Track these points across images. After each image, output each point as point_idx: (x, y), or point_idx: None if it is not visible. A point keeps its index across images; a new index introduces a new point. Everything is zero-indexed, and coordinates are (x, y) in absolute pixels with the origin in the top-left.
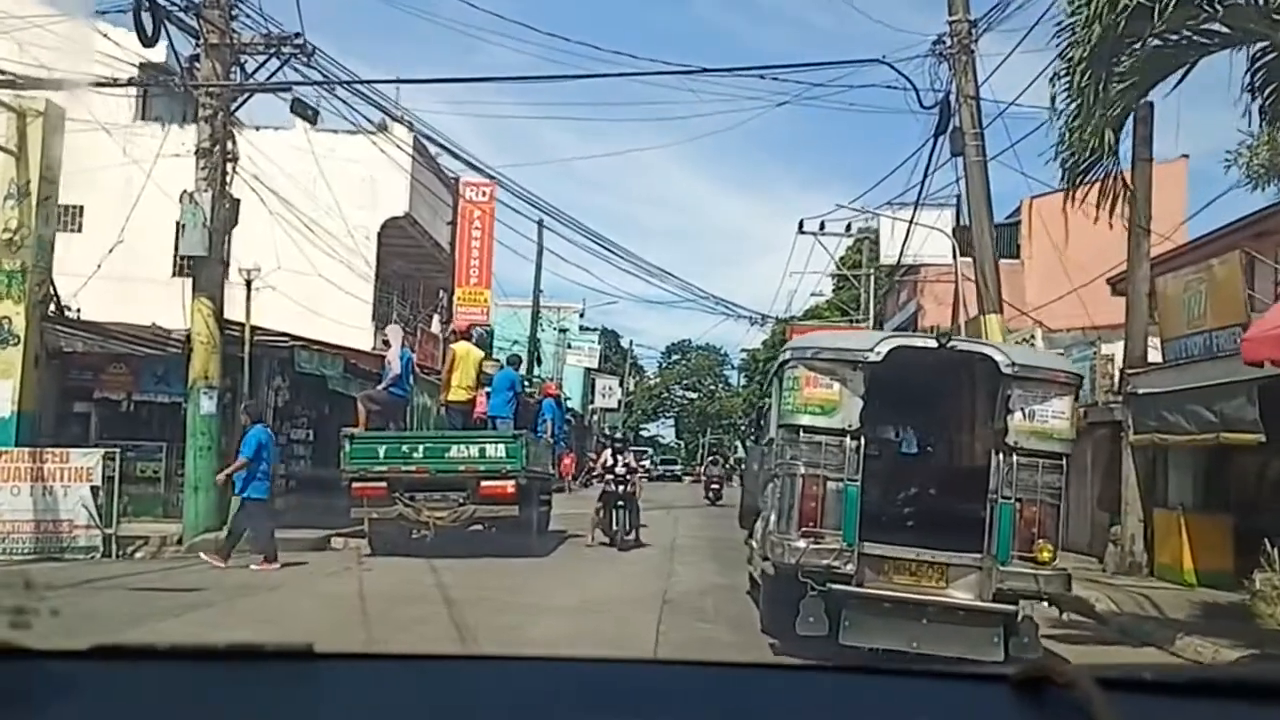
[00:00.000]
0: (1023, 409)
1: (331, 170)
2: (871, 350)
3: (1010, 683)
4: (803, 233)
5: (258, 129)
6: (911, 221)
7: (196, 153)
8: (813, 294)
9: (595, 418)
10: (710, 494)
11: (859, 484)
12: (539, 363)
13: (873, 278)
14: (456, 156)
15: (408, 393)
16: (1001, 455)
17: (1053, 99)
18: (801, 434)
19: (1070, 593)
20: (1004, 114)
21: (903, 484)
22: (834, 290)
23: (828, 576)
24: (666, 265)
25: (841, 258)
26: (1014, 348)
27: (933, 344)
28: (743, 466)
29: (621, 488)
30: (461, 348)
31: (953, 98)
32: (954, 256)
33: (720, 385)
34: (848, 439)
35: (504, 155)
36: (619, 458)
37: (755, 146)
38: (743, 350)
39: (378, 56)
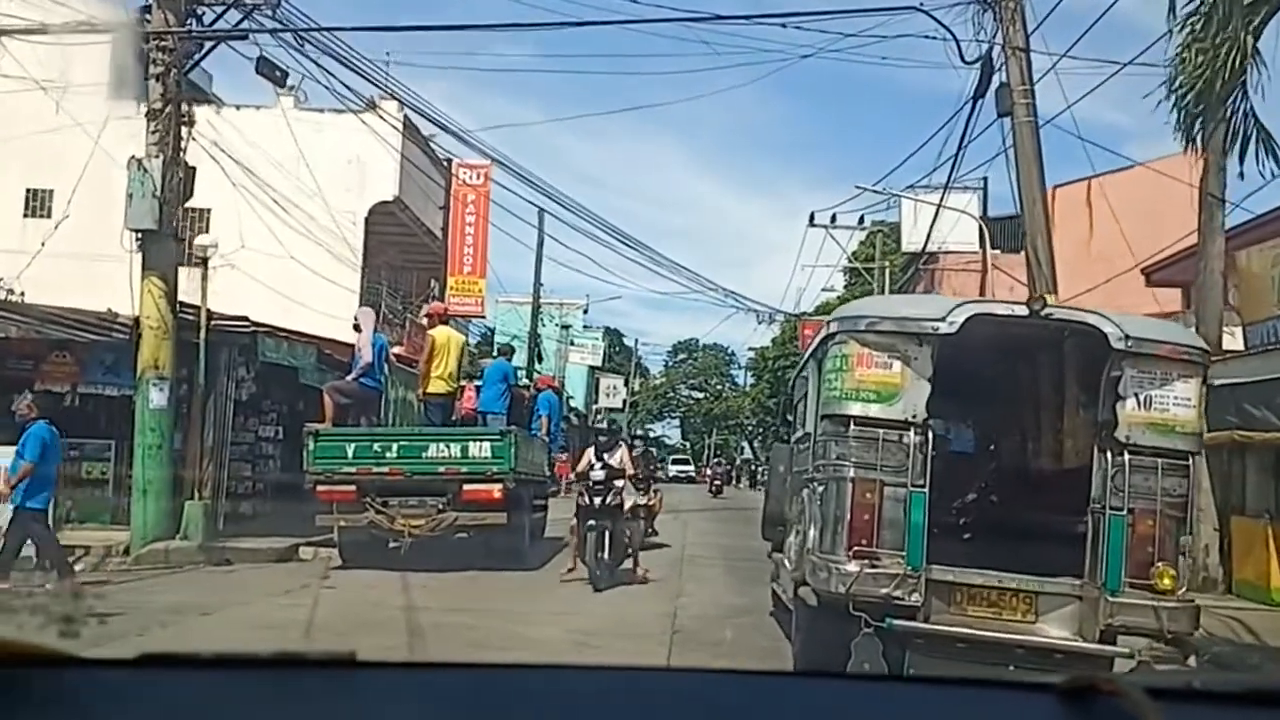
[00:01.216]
0: (1137, 394)
1: (316, 150)
2: (943, 320)
3: (1056, 692)
4: (813, 225)
5: (238, 107)
6: (940, 203)
7: (147, 115)
8: (824, 289)
9: (599, 417)
10: (714, 489)
11: (926, 490)
12: (540, 360)
13: (888, 271)
14: (446, 130)
15: (381, 384)
16: (1108, 453)
17: (1172, 5)
18: (852, 427)
19: (1198, 630)
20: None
21: (975, 490)
22: (845, 286)
23: (887, 609)
24: (671, 271)
25: (854, 252)
26: (1125, 316)
27: (1022, 311)
28: (751, 467)
29: (602, 500)
30: (441, 334)
31: (999, 51)
32: (981, 244)
33: (727, 385)
34: (911, 433)
35: (503, 152)
36: (603, 458)
37: (762, 145)
38: (750, 349)
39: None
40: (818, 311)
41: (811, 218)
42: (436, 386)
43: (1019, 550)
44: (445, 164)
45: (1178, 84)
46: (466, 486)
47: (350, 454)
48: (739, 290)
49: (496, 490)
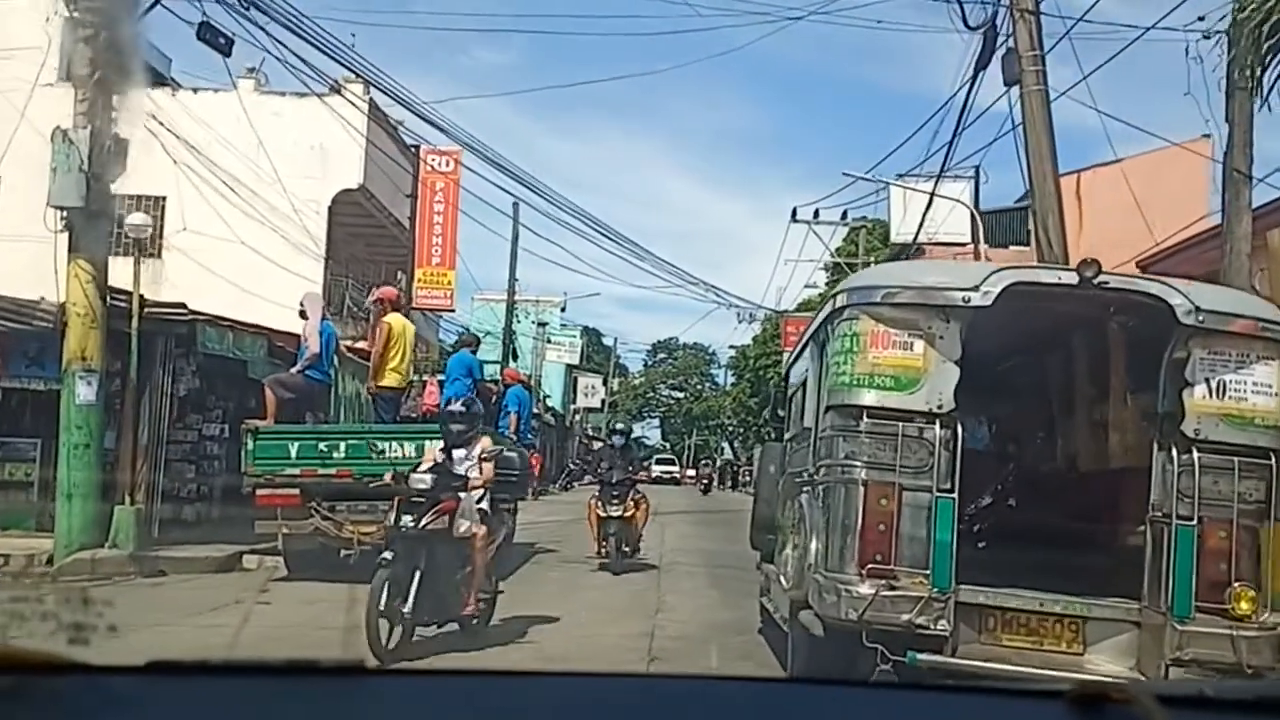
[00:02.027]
0: (1209, 380)
1: (278, 135)
2: (976, 289)
3: (1067, 699)
4: (796, 221)
5: (195, 90)
6: (934, 191)
7: (72, 81)
8: (806, 285)
9: (578, 417)
10: (703, 487)
11: (954, 496)
12: (515, 357)
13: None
14: (420, 116)
15: (329, 376)
16: (1171, 451)
17: None
18: (865, 419)
19: None
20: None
21: (1007, 493)
22: (827, 283)
23: (909, 640)
24: (651, 265)
25: (837, 248)
26: (1193, 285)
27: (1070, 279)
28: (733, 468)
29: (416, 521)
30: (397, 321)
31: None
32: (974, 234)
33: (707, 385)
34: (937, 427)
35: (480, 139)
36: (451, 455)
37: (743, 145)
38: (731, 347)
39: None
40: (799, 309)
41: (794, 213)
42: (391, 380)
43: (1061, 566)
44: (413, 150)
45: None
46: None
47: (293, 454)
48: (719, 301)
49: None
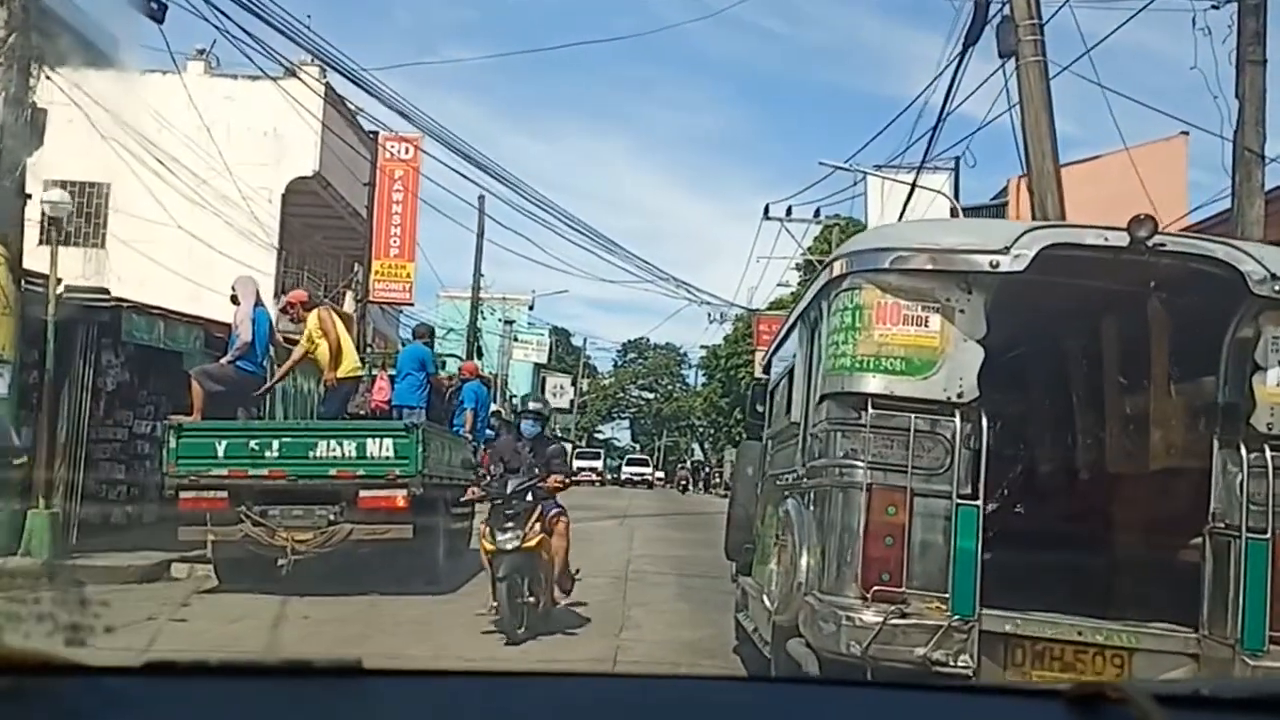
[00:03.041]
0: None
1: (229, 120)
2: (1005, 252)
3: (1064, 699)
4: (769, 218)
5: (141, 72)
6: (915, 181)
7: None
8: (779, 284)
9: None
10: (680, 488)
11: (978, 503)
12: (480, 355)
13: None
14: (370, 94)
15: (263, 368)
16: (1237, 449)
17: None
18: (869, 410)
19: None
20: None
21: (1033, 498)
22: (800, 283)
23: (925, 679)
24: (620, 259)
25: (810, 246)
26: (1262, 248)
27: (1119, 240)
28: (705, 470)
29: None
30: (325, 312)
31: None
32: None
33: (678, 385)
34: (957, 419)
35: (451, 131)
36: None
37: (712, 147)
38: (702, 347)
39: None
40: (772, 308)
41: (766, 210)
42: (347, 369)
43: (1101, 587)
44: (372, 136)
45: None
46: (363, 493)
47: (221, 453)
48: (690, 298)
49: (400, 497)
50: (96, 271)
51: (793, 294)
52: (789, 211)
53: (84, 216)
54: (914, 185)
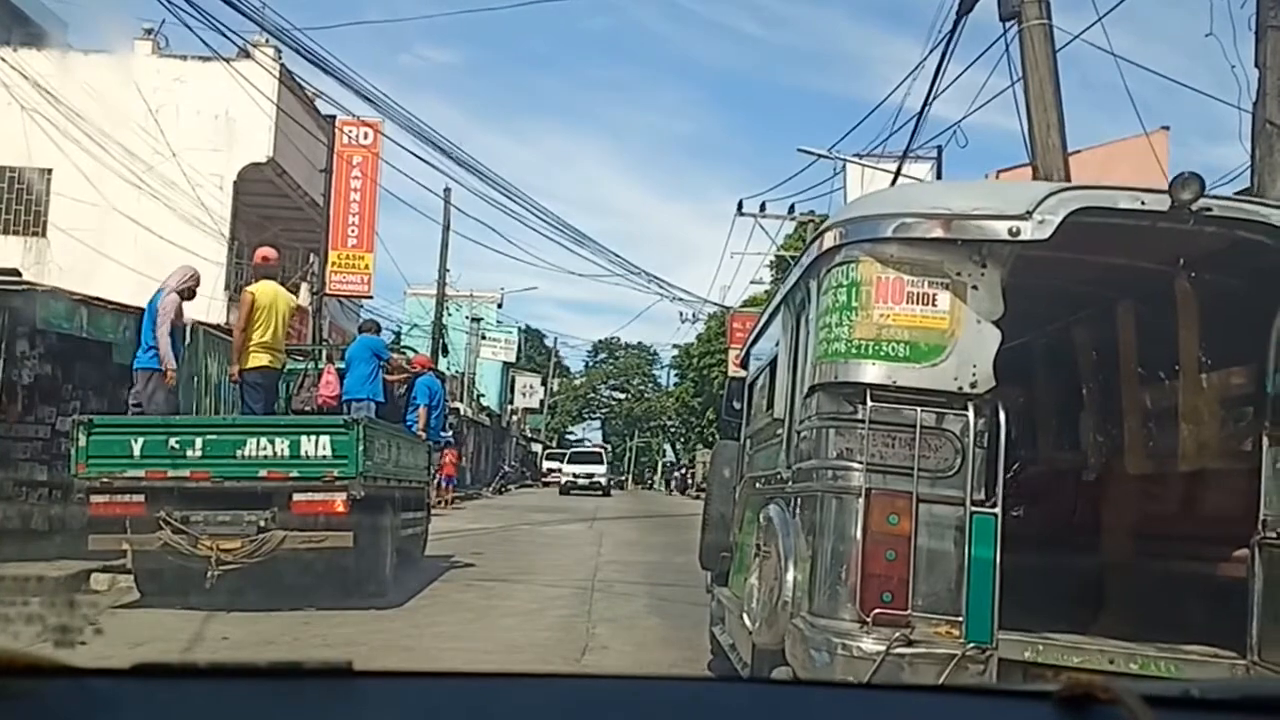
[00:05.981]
0: None
1: (178, 103)
2: (1027, 217)
3: (1054, 700)
4: (742, 214)
5: (86, 53)
6: (899, 170)
7: None
8: (752, 281)
9: (516, 418)
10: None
11: (996, 511)
12: (446, 353)
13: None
14: (328, 74)
15: (156, 358)
16: None
17: None
18: (867, 402)
19: None
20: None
21: (1050, 502)
22: (774, 281)
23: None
24: (593, 271)
25: (784, 244)
26: None
27: (1159, 203)
28: (680, 471)
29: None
30: (263, 290)
31: None
32: None
33: (650, 385)
34: (970, 413)
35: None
36: None
37: (687, 149)
38: (674, 346)
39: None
40: (745, 305)
41: (740, 206)
42: (258, 359)
43: (1129, 605)
44: (329, 120)
45: None
46: (297, 496)
47: (137, 451)
48: (662, 293)
49: (339, 501)
50: (37, 261)
51: (766, 291)
52: (763, 207)
53: (24, 204)
54: (898, 173)
